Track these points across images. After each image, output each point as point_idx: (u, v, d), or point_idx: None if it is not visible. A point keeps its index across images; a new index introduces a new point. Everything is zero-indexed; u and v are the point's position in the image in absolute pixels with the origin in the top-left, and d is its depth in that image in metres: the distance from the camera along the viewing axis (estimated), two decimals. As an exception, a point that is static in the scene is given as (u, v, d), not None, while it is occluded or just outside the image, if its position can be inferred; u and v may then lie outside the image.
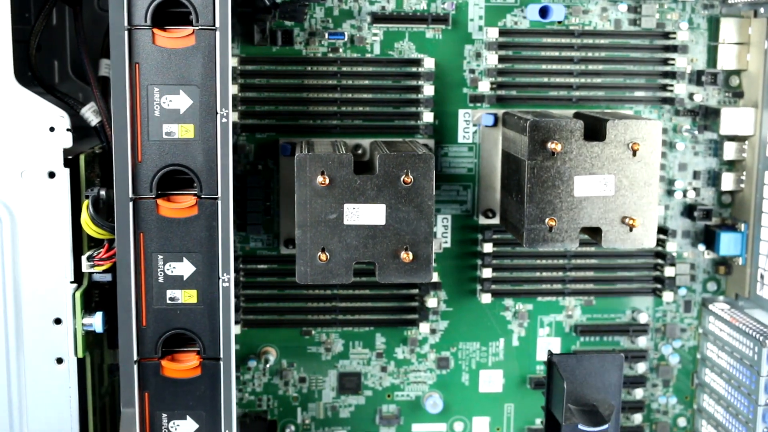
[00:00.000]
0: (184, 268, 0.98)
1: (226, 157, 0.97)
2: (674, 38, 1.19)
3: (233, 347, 1.00)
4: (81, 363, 1.02)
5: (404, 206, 1.02)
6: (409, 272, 1.03)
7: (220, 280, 0.99)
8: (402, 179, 1.01)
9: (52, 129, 0.97)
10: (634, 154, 1.03)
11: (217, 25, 0.95)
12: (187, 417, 1.01)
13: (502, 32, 1.17)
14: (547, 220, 1.04)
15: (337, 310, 1.21)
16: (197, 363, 1.00)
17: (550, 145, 1.02)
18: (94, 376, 1.05)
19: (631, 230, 1.04)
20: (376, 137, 1.17)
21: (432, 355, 1.24)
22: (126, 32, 0.94)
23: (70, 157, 0.98)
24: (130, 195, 0.96)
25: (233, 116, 1.15)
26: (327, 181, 1.00)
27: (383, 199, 1.01)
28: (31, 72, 1.05)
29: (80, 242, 1.00)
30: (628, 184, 1.04)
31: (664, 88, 1.20)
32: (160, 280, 0.98)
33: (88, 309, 1.01)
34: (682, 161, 1.22)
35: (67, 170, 0.97)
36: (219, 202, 0.97)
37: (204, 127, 0.96)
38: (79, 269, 0.99)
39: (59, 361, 1.00)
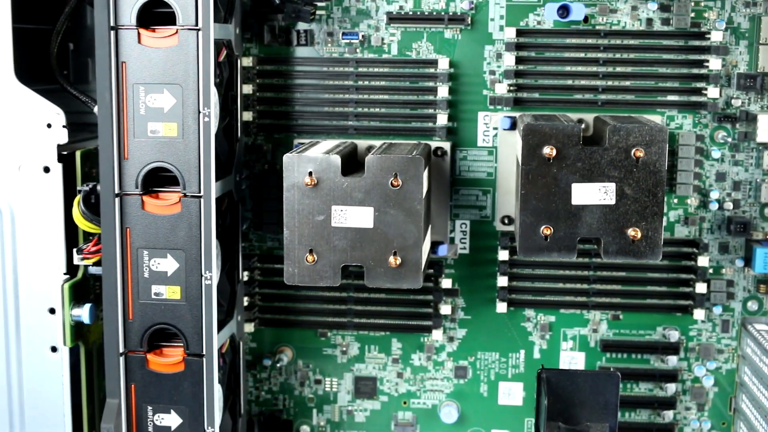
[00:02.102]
0: (168, 265, 1.00)
1: (208, 156, 0.98)
2: (711, 38, 1.11)
3: (215, 345, 1.01)
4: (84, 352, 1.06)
5: (393, 210, 1.00)
6: (398, 277, 1.01)
7: (203, 278, 1.00)
8: (390, 182, 0.99)
9: (49, 125, 1.00)
10: (638, 161, 0.97)
11: (200, 25, 0.96)
12: (172, 411, 1.02)
13: (521, 32, 1.12)
14: (542, 228, 0.99)
15: (352, 313, 1.20)
16: (180, 358, 1.01)
17: (545, 150, 0.98)
18: (92, 366, 1.08)
19: (633, 242, 0.98)
20: (392, 139, 1.15)
21: (449, 363, 1.21)
22: (113, 32, 0.96)
23: (65, 152, 1.01)
24: (116, 191, 0.98)
25: (247, 115, 1.15)
26: (314, 182, 0.99)
27: (371, 201, 1.00)
28: (52, 70, 1.09)
29: (76, 235, 1.03)
30: (630, 192, 0.98)
31: (699, 92, 1.12)
32: (146, 275, 1.00)
33: (84, 300, 1.04)
34: (720, 170, 1.14)
35: (60, 165, 1.00)
36: (201, 200, 0.98)
37: (187, 126, 0.97)
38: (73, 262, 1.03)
39: (53, 349, 1.03)
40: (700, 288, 1.14)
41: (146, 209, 0.99)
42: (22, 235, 1.02)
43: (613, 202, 0.98)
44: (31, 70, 1.02)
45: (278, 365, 1.20)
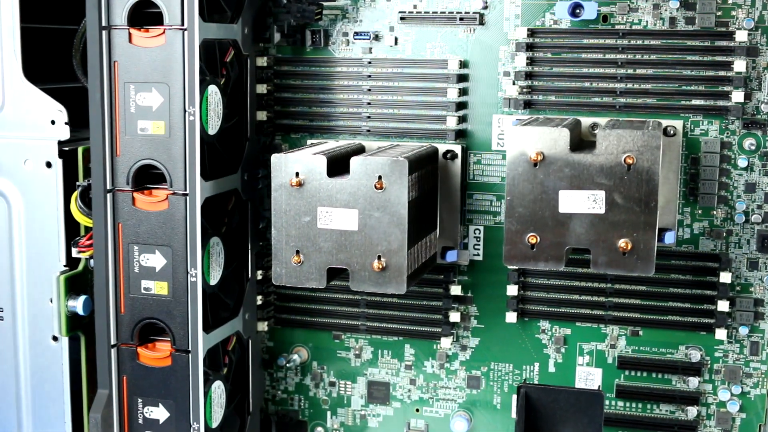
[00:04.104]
0: (157, 260, 1.01)
1: (193, 154, 0.99)
2: (736, 38, 1.03)
3: (201, 341, 1.02)
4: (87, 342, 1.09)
5: (377, 213, 0.98)
6: (382, 282, 0.99)
7: (188, 275, 1.01)
8: (374, 184, 0.97)
9: (52, 122, 1.04)
10: (629, 168, 0.92)
11: (185, 25, 0.97)
12: (160, 405, 1.04)
13: (535, 32, 1.08)
14: (528, 236, 0.95)
15: (364, 316, 1.18)
16: (168, 353, 1.03)
17: (531, 155, 0.94)
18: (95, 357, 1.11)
19: (624, 254, 0.93)
20: (404, 141, 1.13)
21: (462, 372, 1.17)
22: (105, 32, 0.99)
23: (67, 149, 1.05)
24: (108, 187, 1.01)
25: (261, 115, 1.16)
26: (301, 183, 0.99)
27: (356, 204, 0.98)
28: (75, 68, 1.14)
29: (79, 229, 1.07)
30: (621, 201, 0.92)
31: (725, 95, 1.04)
32: (136, 270, 1.02)
33: (82, 292, 1.07)
34: (749, 180, 1.05)
35: (61, 161, 1.04)
36: (187, 198, 0.99)
37: (174, 125, 0.98)
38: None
39: (54, 339, 1.07)
40: (722, 306, 1.06)
41: (137, 205, 1.01)
42: (28, 227, 1.06)
43: (602, 210, 0.93)
44: (36, 68, 1.06)
45: (288, 365, 1.20)
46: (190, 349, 1.02)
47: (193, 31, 0.97)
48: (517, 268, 1.11)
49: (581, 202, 0.93)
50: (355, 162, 0.98)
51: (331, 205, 0.99)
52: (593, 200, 0.93)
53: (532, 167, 0.94)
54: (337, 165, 1.00)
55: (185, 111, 0.98)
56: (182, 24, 0.97)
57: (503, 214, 1.11)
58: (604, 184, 0.92)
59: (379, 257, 0.98)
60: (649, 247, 0.92)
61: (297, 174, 0.99)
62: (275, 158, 0.99)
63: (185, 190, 0.99)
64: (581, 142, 1.03)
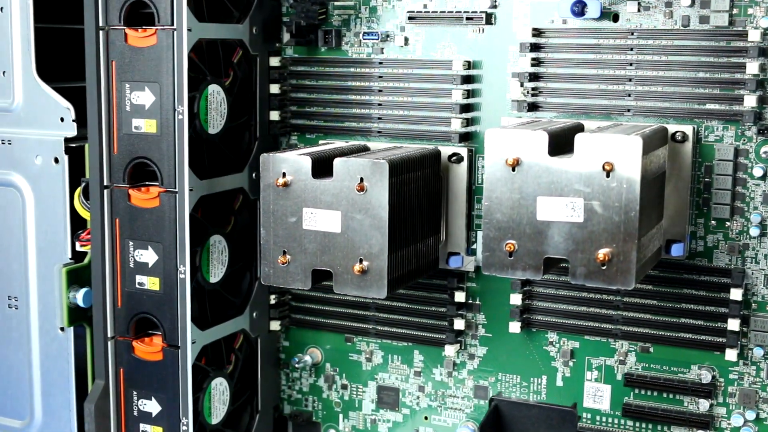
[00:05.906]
0: (149, 256, 1.03)
1: (182, 152, 1.00)
2: (749, 38, 0.96)
3: (189, 337, 1.03)
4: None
5: (359, 215, 0.96)
6: (363, 285, 0.97)
7: (178, 272, 1.02)
8: (356, 187, 0.96)
9: (62, 119, 1.08)
10: (608, 175, 0.87)
11: (176, 24, 0.98)
12: (152, 398, 1.06)
13: (541, 32, 1.04)
14: (505, 243, 0.91)
15: (374, 320, 1.17)
16: (159, 348, 1.05)
17: (508, 159, 0.90)
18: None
19: (602, 266, 0.88)
20: (413, 143, 1.11)
21: (470, 382, 1.14)
22: (103, 32, 1.01)
23: (73, 145, 1.08)
24: (106, 183, 1.03)
25: (274, 115, 1.16)
26: (287, 183, 0.99)
27: (338, 205, 0.97)
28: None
29: (85, 224, 1.10)
30: (600, 210, 0.88)
31: (740, 100, 0.97)
32: (131, 265, 1.04)
33: (89, 285, 1.10)
34: (767, 191, 0.98)
35: (66, 157, 1.07)
36: (176, 195, 1.01)
37: (165, 123, 1.00)
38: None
39: (62, 329, 1.11)
40: (733, 325, 0.99)
41: (131, 202, 1.03)
42: (38, 221, 1.10)
43: (581, 219, 0.89)
44: (47, 66, 1.10)
45: (299, 366, 1.20)
46: (179, 344, 1.03)
47: (182, 31, 0.98)
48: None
49: (559, 210, 0.89)
50: (337, 163, 0.97)
51: (316, 206, 0.98)
52: (571, 208, 0.89)
53: (510, 171, 0.90)
54: (327, 166, 0.99)
55: (174, 110, 0.99)
56: (173, 24, 0.99)
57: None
58: (582, 191, 0.88)
59: (360, 260, 0.97)
60: (629, 259, 0.87)
61: (284, 174, 0.99)
62: (263, 158, 1.00)
63: (175, 188, 1.01)
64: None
